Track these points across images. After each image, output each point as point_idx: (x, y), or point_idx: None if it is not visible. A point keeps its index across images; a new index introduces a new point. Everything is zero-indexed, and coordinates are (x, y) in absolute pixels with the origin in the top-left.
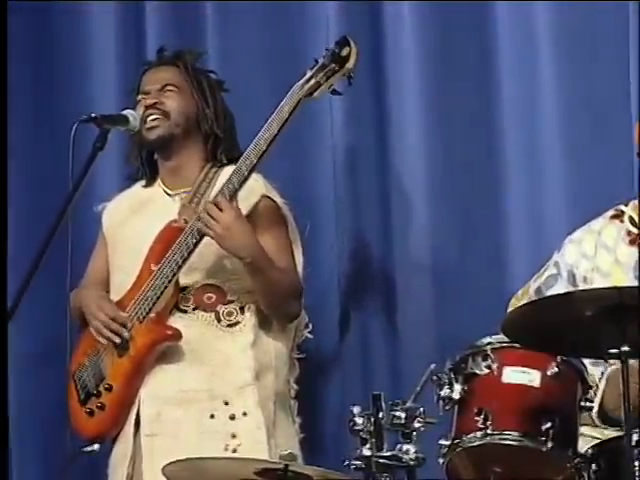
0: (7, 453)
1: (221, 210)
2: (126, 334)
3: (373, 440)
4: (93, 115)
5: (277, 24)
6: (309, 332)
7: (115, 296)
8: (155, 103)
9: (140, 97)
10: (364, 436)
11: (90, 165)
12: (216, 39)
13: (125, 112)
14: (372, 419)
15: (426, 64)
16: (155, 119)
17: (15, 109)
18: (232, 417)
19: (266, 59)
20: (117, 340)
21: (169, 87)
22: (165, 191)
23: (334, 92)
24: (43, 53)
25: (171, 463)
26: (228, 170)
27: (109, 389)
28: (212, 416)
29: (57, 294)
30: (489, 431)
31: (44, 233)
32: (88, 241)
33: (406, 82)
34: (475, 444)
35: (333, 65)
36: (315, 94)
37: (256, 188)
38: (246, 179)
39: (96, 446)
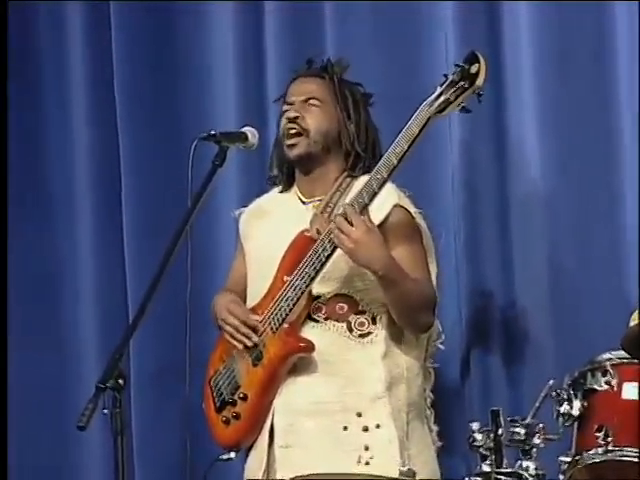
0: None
1: (351, 224)
2: (256, 338)
3: (493, 456)
4: (212, 132)
5: (394, 23)
6: (440, 343)
7: (251, 301)
8: (296, 117)
9: (285, 107)
10: (484, 452)
11: (209, 182)
12: (334, 41)
13: (244, 129)
14: (492, 435)
15: (542, 66)
16: (295, 135)
17: (134, 124)
18: (365, 429)
19: (383, 58)
20: (248, 343)
21: (313, 101)
22: (300, 198)
23: (463, 109)
24: (163, 63)
25: (302, 476)
26: (362, 180)
27: (244, 398)
28: (345, 428)
29: (176, 310)
30: (610, 447)
31: (163, 250)
32: (206, 257)
33: (524, 93)
34: (596, 461)
35: (462, 82)
36: (445, 111)
37: (389, 198)
38: (376, 194)
39: (232, 454)
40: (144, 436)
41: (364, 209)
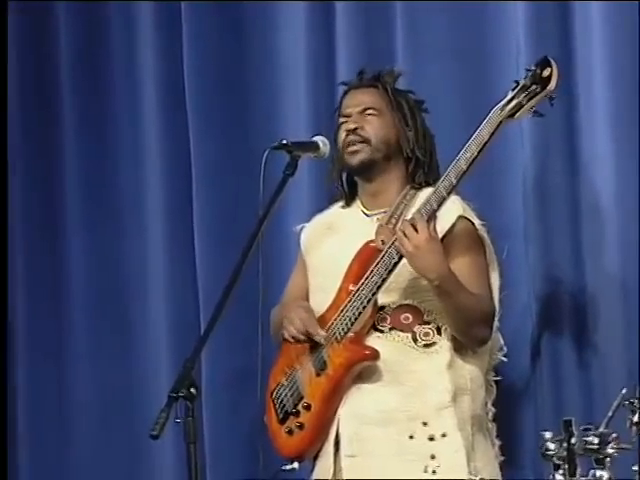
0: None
1: (416, 229)
2: (323, 333)
3: (566, 466)
4: (284, 142)
5: (466, 23)
6: (503, 355)
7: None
8: (356, 128)
9: (341, 120)
10: (557, 462)
11: (280, 192)
12: (405, 43)
13: (315, 138)
14: (564, 444)
15: (614, 67)
16: (355, 143)
17: (206, 132)
18: (431, 438)
19: (454, 58)
20: (309, 342)
21: (370, 111)
22: (363, 211)
23: (535, 114)
24: (234, 72)
25: None
26: (426, 192)
27: (308, 408)
28: (411, 437)
29: (248, 320)
30: None
31: (234, 258)
32: (278, 267)
33: (596, 94)
34: None
35: (535, 86)
36: (516, 116)
37: (453, 209)
38: (445, 200)
39: (296, 465)
40: (216, 445)
41: (432, 215)
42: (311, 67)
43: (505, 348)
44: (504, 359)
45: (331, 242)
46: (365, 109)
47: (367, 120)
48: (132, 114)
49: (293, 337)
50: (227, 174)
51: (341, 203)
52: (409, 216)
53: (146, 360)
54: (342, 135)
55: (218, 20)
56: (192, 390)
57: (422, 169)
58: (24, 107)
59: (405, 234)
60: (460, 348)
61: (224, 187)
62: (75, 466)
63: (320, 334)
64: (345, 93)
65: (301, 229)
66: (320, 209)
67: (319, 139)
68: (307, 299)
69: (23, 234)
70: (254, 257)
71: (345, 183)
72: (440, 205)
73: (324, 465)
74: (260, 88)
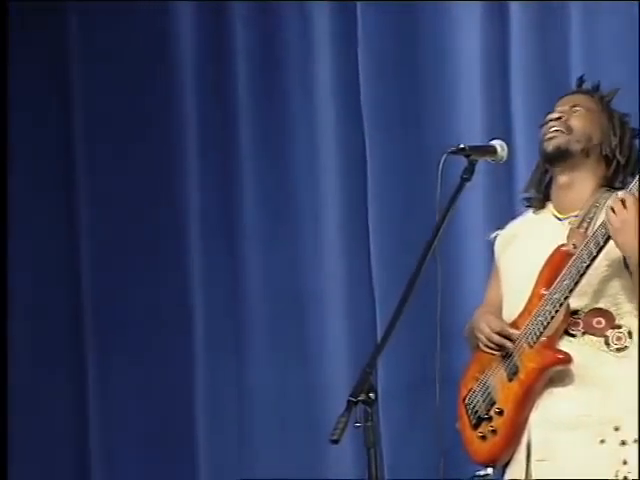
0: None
1: (625, 205)
2: (510, 345)
3: None
4: (462, 146)
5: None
6: None
7: (507, 319)
8: (560, 117)
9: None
10: None
11: (457, 196)
12: (580, 42)
13: (493, 142)
14: None
15: None
16: (556, 130)
17: (381, 137)
18: (623, 443)
19: (630, 64)
20: (503, 350)
21: (578, 107)
22: (555, 215)
23: None
24: (408, 76)
25: None
26: (620, 195)
27: (500, 413)
28: (602, 441)
29: (425, 325)
30: None
31: (410, 264)
32: (455, 272)
33: None
34: None
35: None
36: None
37: None
38: None
39: (490, 470)
40: (395, 451)
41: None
42: (485, 68)
43: None
44: None
45: (523, 247)
46: (574, 105)
47: (574, 114)
48: (308, 116)
49: (486, 346)
50: (402, 176)
51: (533, 209)
52: (599, 219)
53: (324, 363)
54: (544, 128)
55: (393, 20)
56: (371, 395)
57: (621, 175)
58: (200, 107)
59: (614, 210)
60: None
61: (399, 189)
62: (253, 467)
63: (510, 332)
64: (559, 99)
65: (495, 236)
66: (495, 214)
67: (497, 143)
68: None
69: (201, 235)
70: (432, 262)
71: (541, 189)
72: None
73: (516, 471)
74: (434, 89)
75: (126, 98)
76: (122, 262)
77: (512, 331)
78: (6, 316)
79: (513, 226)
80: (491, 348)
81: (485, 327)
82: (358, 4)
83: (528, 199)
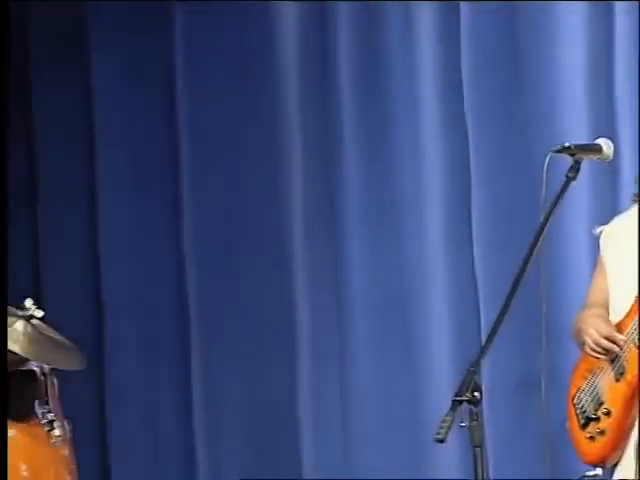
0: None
1: None
2: (616, 349)
3: None
4: (567, 145)
5: None
6: None
7: (614, 317)
8: None
9: None
10: None
11: (562, 195)
12: None
13: (599, 141)
14: None
15: None
16: None
17: (485, 137)
18: None
19: None
20: (608, 357)
21: None
22: None
23: None
24: (511, 76)
25: None
26: None
27: (608, 414)
28: None
29: (530, 324)
30: None
31: (514, 263)
32: (559, 271)
33: None
34: None
35: None
36: None
37: None
38: None
39: (599, 471)
40: (500, 450)
41: None
42: (589, 67)
43: None
44: None
45: (628, 243)
46: None
47: None
48: (411, 116)
49: (592, 349)
50: (506, 175)
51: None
52: None
53: (428, 364)
54: None
55: (495, 20)
56: (476, 394)
57: None
58: (304, 107)
59: None
60: None
61: (503, 189)
62: (358, 468)
63: (618, 338)
64: None
65: (600, 232)
66: (599, 213)
67: (603, 141)
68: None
69: (304, 236)
70: (536, 262)
71: None
72: None
73: (625, 471)
74: (538, 88)
75: (231, 98)
76: (225, 266)
77: (620, 337)
78: (104, 318)
79: (618, 221)
80: (598, 352)
81: (593, 332)
82: (461, 3)
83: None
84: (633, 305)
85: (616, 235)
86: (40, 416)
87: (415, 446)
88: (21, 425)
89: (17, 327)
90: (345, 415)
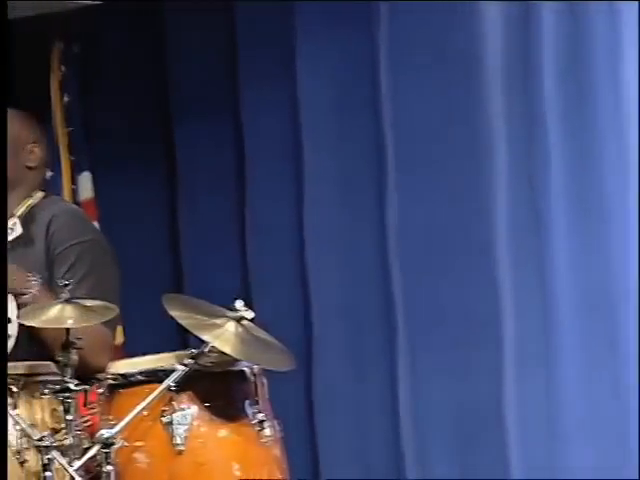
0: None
1: None
2: None
3: None
4: None
5: None
6: None
7: None
8: None
9: None
10: None
11: None
12: None
13: None
14: None
15: None
16: None
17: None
18: None
19: None
20: None
21: None
22: None
23: None
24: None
25: None
26: None
27: None
28: None
29: None
30: None
31: None
32: None
33: None
34: None
35: None
36: None
37: None
38: None
39: None
40: None
41: None
42: None
43: None
44: None
45: None
46: None
47: None
48: (616, 115)
49: None
50: None
51: None
52: None
53: (636, 365)
54: None
55: None
56: None
57: None
58: (508, 107)
59: None
60: None
61: None
62: (565, 469)
63: None
64: None
65: None
66: None
67: None
68: None
69: (508, 235)
70: None
71: None
72: None
73: None
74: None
75: (433, 98)
76: (429, 265)
77: None
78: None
79: None
80: None
81: None
82: None
83: None
84: None
85: None
86: (250, 416)
87: (622, 447)
88: (232, 425)
89: (228, 328)
90: (550, 416)
